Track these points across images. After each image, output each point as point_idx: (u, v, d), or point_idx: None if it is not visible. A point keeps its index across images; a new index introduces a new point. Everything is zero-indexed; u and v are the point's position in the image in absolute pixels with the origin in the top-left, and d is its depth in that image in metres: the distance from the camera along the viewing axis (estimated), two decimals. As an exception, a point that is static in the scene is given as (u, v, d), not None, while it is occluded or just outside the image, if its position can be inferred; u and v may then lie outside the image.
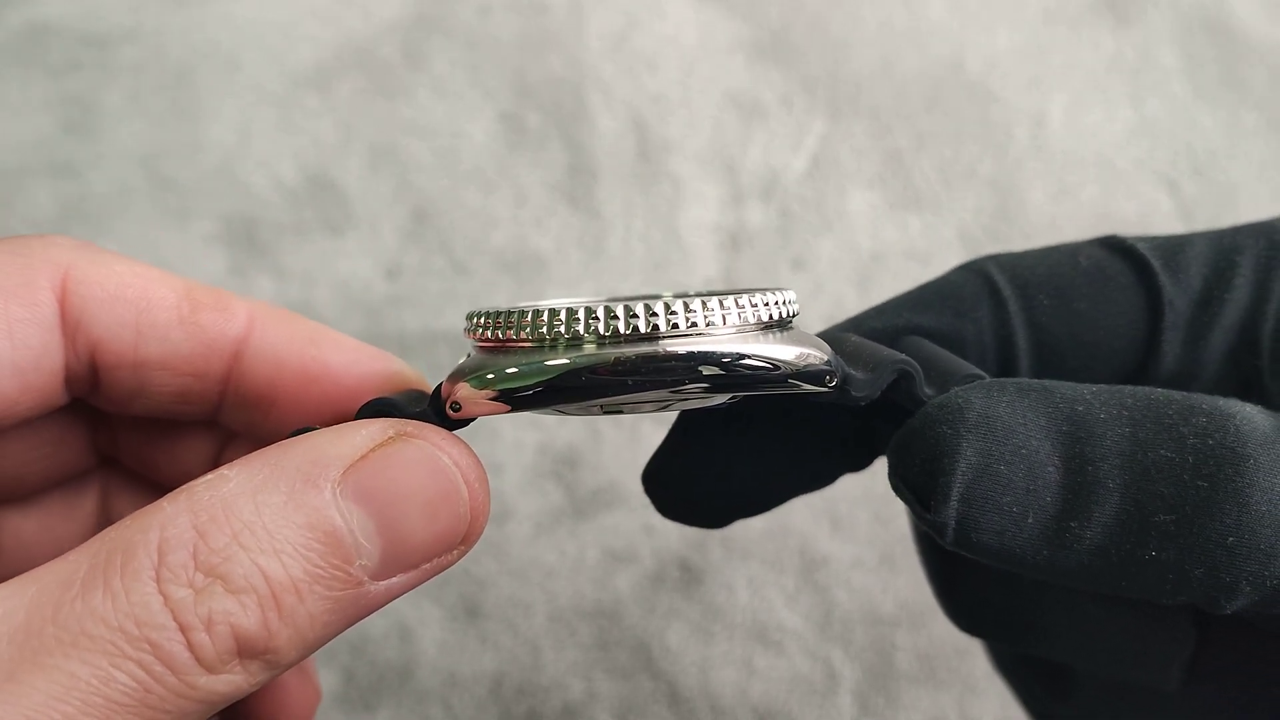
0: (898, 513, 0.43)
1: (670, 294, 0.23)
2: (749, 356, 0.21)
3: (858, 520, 0.44)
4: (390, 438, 0.21)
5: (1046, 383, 0.22)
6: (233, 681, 0.19)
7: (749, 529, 0.43)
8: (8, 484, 0.27)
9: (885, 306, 0.26)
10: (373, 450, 0.20)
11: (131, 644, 0.18)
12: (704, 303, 0.21)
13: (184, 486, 0.20)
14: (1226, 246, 0.25)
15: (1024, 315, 0.25)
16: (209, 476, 0.20)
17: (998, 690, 0.41)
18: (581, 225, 0.50)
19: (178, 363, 0.25)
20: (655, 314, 0.21)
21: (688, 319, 0.21)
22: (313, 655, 0.22)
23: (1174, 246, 0.25)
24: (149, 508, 0.20)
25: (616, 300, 0.21)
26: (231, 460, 0.22)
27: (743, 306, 0.21)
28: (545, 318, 0.21)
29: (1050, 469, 0.20)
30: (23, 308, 0.24)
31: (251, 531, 0.19)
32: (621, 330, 0.21)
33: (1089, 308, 0.25)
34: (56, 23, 0.56)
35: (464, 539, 0.22)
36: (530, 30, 0.56)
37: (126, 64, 0.55)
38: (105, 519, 0.30)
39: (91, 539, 0.20)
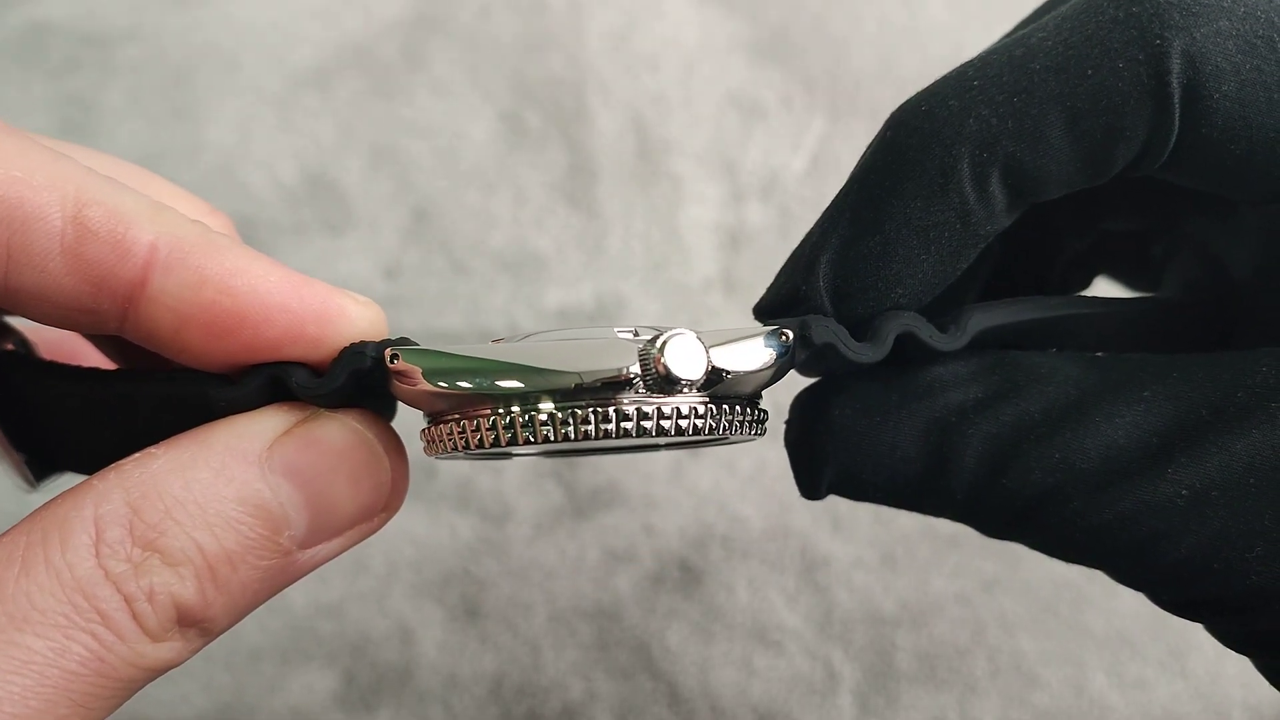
0: (898, 513, 0.43)
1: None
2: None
3: (859, 520, 0.44)
4: (312, 413, 0.22)
5: (934, 378, 0.22)
6: (173, 648, 0.20)
7: (749, 529, 0.43)
8: None
9: (1025, 87, 0.21)
10: (295, 426, 0.21)
11: (83, 616, 0.19)
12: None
13: (111, 465, 0.20)
14: None
15: (1182, 140, 0.21)
16: (136, 456, 0.20)
17: (999, 690, 0.41)
18: (581, 225, 0.50)
19: (59, 297, 0.20)
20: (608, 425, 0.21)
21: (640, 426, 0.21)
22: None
23: None
24: (79, 486, 0.20)
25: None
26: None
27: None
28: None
29: (912, 470, 0.22)
30: None
31: (184, 507, 0.20)
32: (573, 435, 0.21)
33: (1257, 165, 0.21)
34: (56, 23, 0.56)
35: (385, 506, 0.22)
36: (530, 30, 0.56)
37: (126, 64, 0.55)
38: None
39: (24, 519, 0.20)
